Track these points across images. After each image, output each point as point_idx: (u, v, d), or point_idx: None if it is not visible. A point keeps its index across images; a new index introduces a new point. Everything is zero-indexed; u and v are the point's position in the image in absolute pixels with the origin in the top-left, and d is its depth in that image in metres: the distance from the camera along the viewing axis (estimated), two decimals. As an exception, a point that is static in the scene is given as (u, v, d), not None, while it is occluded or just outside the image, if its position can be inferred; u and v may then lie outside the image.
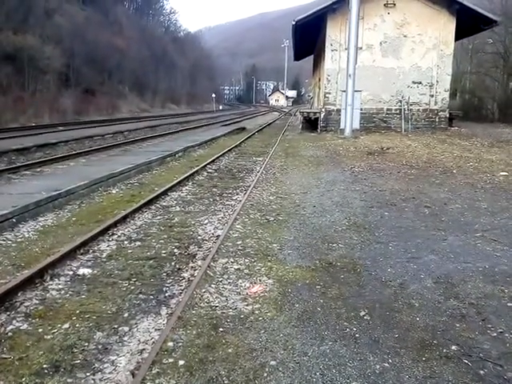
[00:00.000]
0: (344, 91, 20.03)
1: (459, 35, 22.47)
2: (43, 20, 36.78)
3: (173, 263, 4.94)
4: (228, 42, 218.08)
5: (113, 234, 5.85)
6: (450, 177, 10.19)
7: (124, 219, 6.41)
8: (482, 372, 2.96)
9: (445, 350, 3.21)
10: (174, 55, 72.59)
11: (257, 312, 3.77)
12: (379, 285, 4.35)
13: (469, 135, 19.65)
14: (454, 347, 3.25)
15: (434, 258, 5.08)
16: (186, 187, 9.18)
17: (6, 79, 28.85)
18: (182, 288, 4.28)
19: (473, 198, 8.11)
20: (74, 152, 13.36)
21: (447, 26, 21.13)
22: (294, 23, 21.71)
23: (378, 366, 3.02)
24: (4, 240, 5.57)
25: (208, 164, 11.92)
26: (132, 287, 4.29)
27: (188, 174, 10.11)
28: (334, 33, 21.65)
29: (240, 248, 5.38)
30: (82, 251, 5.12)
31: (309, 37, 25.57)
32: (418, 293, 4.17)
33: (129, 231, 6.07)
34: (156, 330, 3.50)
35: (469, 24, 21.47)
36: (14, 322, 3.57)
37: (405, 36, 21.47)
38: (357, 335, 3.41)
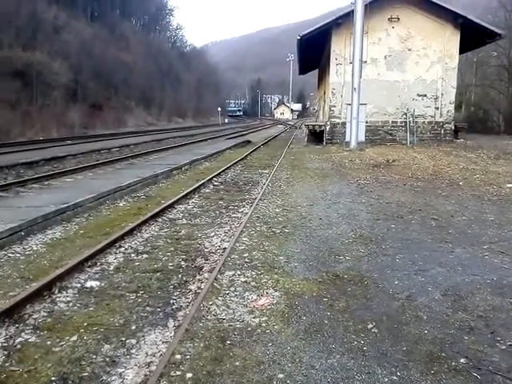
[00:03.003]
0: (349, 104, 20.12)
1: (463, 48, 22.58)
2: (51, 36, 37.45)
3: (180, 276, 4.95)
4: (233, 57, 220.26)
5: (120, 247, 5.89)
6: (456, 189, 10.17)
7: (131, 232, 6.44)
8: (491, 385, 2.94)
9: (453, 363, 3.18)
10: (180, 70, 73.37)
11: (264, 325, 3.77)
12: (386, 297, 4.33)
13: (474, 147, 19.62)
14: (462, 360, 3.22)
15: (441, 271, 5.06)
16: (193, 200, 9.22)
17: (15, 94, 29.27)
18: (189, 300, 4.28)
19: (480, 210, 8.08)
20: (81, 165, 13.48)
21: (451, 39, 21.27)
22: (298, 38, 21.94)
23: (386, 379, 3.00)
24: (13, 253, 5.62)
25: (214, 177, 11.98)
26: (139, 300, 4.30)
27: (194, 186, 10.16)
28: (338, 47, 21.85)
29: (247, 260, 5.38)
30: (89, 264, 5.15)
31: (314, 51, 25.80)
32: (426, 305, 4.15)
33: (136, 244, 6.10)
34: (163, 342, 3.51)
35: (473, 37, 21.59)
36: (23, 334, 3.59)
37: (409, 50, 21.62)
38: (364, 348, 3.40)
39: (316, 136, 23.79)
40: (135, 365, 3.20)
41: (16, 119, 26.45)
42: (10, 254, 5.56)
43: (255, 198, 9.14)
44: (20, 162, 13.77)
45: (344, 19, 20.78)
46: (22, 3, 33.73)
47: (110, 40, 50.36)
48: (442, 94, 21.81)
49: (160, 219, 7.48)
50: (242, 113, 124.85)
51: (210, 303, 4.16)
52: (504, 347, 3.40)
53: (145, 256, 5.62)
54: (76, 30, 43.09)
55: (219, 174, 12.66)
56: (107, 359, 3.26)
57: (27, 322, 3.79)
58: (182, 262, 5.39)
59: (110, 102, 44.10)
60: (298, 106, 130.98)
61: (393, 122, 22.20)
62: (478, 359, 3.23)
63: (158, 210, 7.75)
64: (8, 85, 28.45)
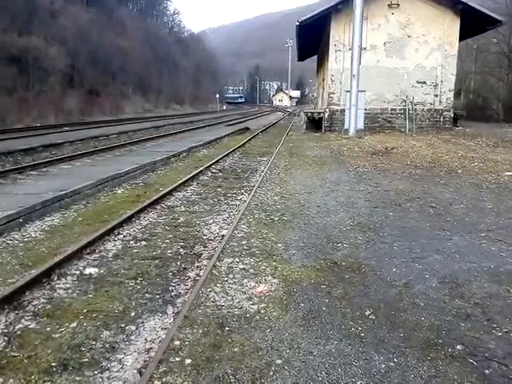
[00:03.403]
0: (348, 91, 20.03)
1: (463, 35, 22.41)
2: (48, 21, 36.96)
3: (178, 263, 4.97)
4: (232, 43, 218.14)
5: (119, 234, 5.89)
6: (454, 177, 10.18)
7: (129, 219, 6.44)
8: (487, 371, 2.97)
9: (450, 350, 3.22)
10: (177, 56, 72.67)
11: (262, 311, 3.79)
12: (384, 284, 4.36)
13: (473, 135, 19.60)
14: (459, 347, 3.26)
15: (438, 258, 5.09)
16: (191, 187, 9.22)
17: (11, 80, 29.00)
18: (188, 287, 4.30)
19: (478, 198, 8.10)
20: (79, 152, 13.43)
21: (451, 26, 21.10)
22: (297, 24, 21.73)
23: (383, 366, 3.03)
24: (11, 240, 5.62)
25: (212, 164, 11.95)
26: (138, 286, 4.32)
27: (192, 174, 10.14)
28: (337, 33, 21.66)
29: (245, 248, 5.40)
30: (88, 251, 5.16)
31: (312, 37, 25.59)
32: (423, 292, 4.18)
33: (134, 231, 6.10)
34: (163, 328, 3.53)
35: (473, 24, 21.42)
36: (23, 320, 3.61)
37: (409, 36, 21.45)
38: (362, 334, 3.43)
39: (315, 123, 23.71)
40: (135, 351, 3.22)
41: (13, 106, 26.25)
42: (9, 241, 5.56)
43: (253, 186, 9.14)
44: (17, 148, 13.70)
45: (343, 5, 20.58)
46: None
47: (106, 25, 49.68)
48: (441, 82, 21.71)
49: (158, 206, 7.48)
50: (244, 99, 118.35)
51: (209, 290, 4.18)
52: (500, 334, 3.44)
53: (143, 243, 5.62)
54: (72, 14, 42.47)
55: (217, 161, 12.63)
56: (107, 345, 3.28)
57: (27, 308, 3.81)
58: (181, 249, 5.41)
59: (107, 88, 43.76)
60: (296, 93, 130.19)
61: (392, 109, 22.13)
62: (474, 346, 3.27)
63: (156, 197, 7.74)
64: (4, 71, 28.17)
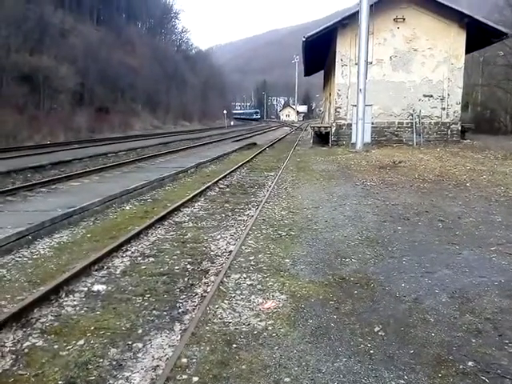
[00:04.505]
0: (355, 105, 20.08)
1: (470, 48, 22.46)
2: (58, 41, 37.77)
3: (186, 279, 4.96)
4: (239, 59, 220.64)
5: (127, 250, 5.91)
6: (463, 190, 10.10)
7: (138, 235, 6.47)
8: (499, 389, 2.91)
9: (461, 366, 3.16)
10: (185, 73, 73.66)
11: (270, 328, 3.76)
12: (393, 300, 4.31)
13: (481, 148, 19.49)
14: (470, 363, 3.20)
15: (448, 273, 5.03)
16: (199, 203, 9.24)
17: (23, 98, 29.49)
18: (196, 304, 4.29)
19: (487, 212, 8.02)
20: (88, 169, 13.56)
21: (457, 39, 21.17)
22: (304, 39, 21.93)
23: (393, 383, 2.98)
24: (20, 257, 5.65)
25: (220, 179, 11.99)
26: (146, 303, 4.31)
27: (200, 189, 10.18)
28: (343, 48, 21.81)
29: (252, 263, 5.38)
30: (96, 267, 5.17)
31: (319, 52, 25.79)
32: (433, 308, 4.12)
33: (142, 247, 6.11)
34: (170, 346, 3.51)
35: (479, 37, 21.47)
36: (30, 338, 3.61)
37: (415, 50, 21.54)
38: (371, 351, 3.38)
39: (322, 138, 23.75)
40: (142, 368, 3.20)
41: (23, 123, 26.62)
42: (18, 258, 5.60)
43: (261, 201, 9.14)
44: (28, 165, 13.88)
45: (349, 20, 20.79)
46: (29, 8, 34.01)
47: (116, 44, 50.69)
48: (448, 95, 21.70)
49: (166, 222, 7.50)
50: (259, 115, 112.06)
51: (216, 306, 4.16)
52: (512, 350, 3.37)
53: (151, 259, 5.63)
54: (82, 33, 43.47)
55: (225, 176, 12.67)
56: (114, 363, 3.27)
57: (34, 326, 3.82)
58: (188, 266, 5.40)
59: (116, 105, 44.33)
60: (303, 108, 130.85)
61: (399, 122, 22.12)
62: (486, 362, 3.21)
63: (164, 213, 7.77)
64: (16, 89, 28.74)
